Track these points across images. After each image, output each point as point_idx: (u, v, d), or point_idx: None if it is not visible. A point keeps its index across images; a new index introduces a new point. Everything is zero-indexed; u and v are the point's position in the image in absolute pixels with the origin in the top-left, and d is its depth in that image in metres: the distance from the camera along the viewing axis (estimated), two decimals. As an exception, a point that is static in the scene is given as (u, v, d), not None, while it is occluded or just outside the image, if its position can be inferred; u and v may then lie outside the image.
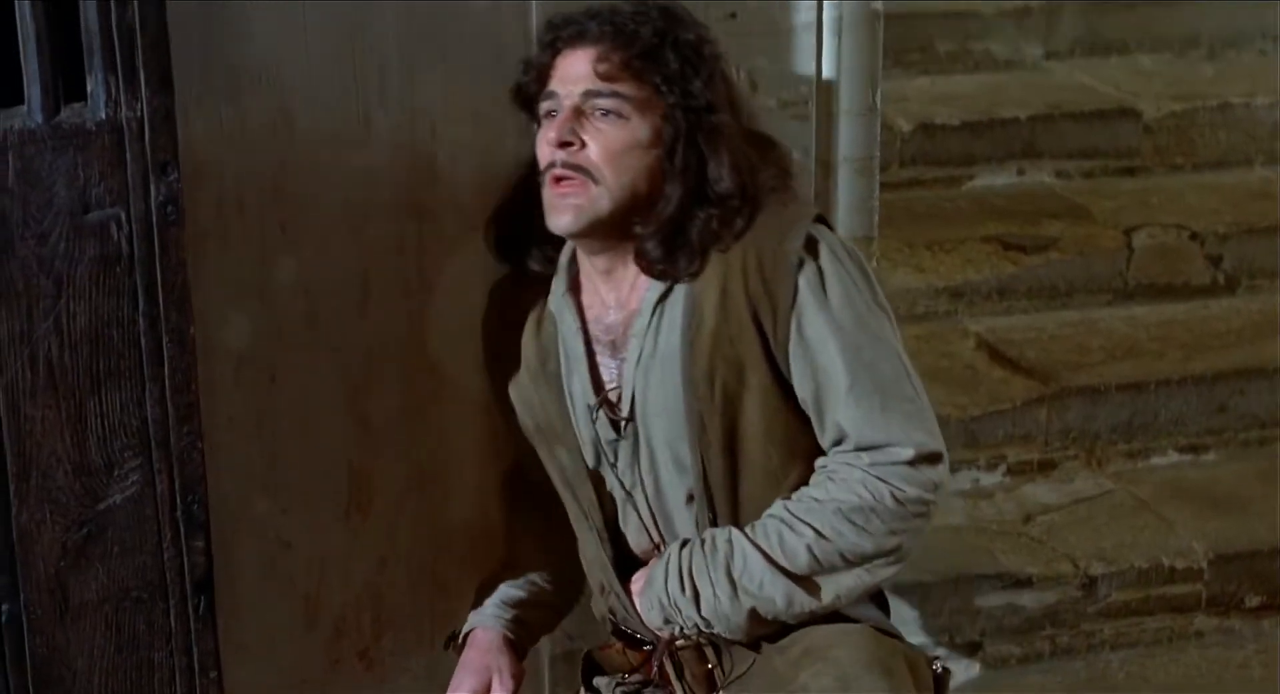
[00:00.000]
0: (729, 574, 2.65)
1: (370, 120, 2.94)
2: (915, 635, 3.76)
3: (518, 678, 2.86)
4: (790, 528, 2.63)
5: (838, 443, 2.66)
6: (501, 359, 2.90)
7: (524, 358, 2.85)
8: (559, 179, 2.66)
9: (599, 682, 2.89)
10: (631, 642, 2.84)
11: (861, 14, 3.20)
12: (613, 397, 2.77)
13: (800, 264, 2.64)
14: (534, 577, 2.95)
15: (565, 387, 2.81)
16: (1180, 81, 5.75)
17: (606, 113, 2.65)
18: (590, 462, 2.81)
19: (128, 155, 2.31)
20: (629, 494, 2.79)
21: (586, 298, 2.80)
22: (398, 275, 3.03)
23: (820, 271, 2.65)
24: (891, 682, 2.62)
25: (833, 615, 2.70)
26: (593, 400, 2.77)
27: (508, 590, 2.93)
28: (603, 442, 2.78)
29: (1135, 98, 5.55)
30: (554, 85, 2.70)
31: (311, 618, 3.14)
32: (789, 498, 2.67)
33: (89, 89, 2.29)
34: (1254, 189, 5.32)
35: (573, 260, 2.81)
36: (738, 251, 2.66)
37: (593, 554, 2.85)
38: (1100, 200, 5.20)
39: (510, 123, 2.80)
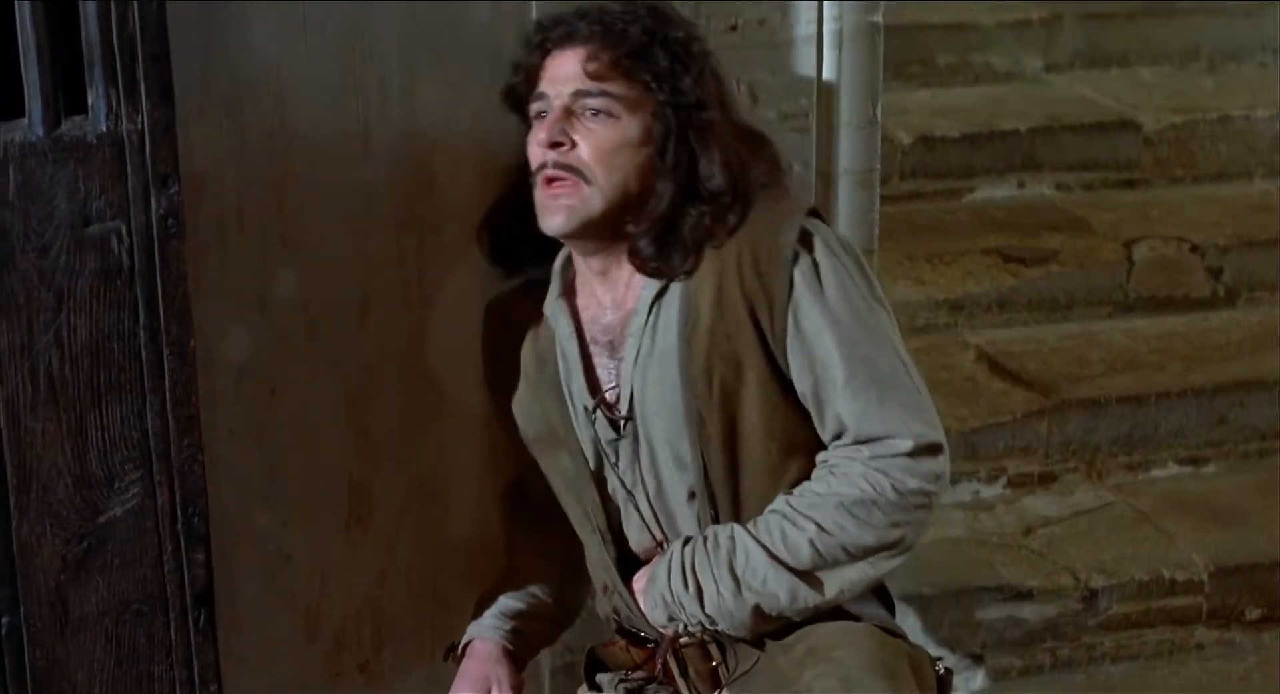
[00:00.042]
0: (732, 570, 2.65)
1: (371, 133, 2.95)
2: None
3: (517, 689, 2.85)
4: (792, 523, 2.63)
5: (838, 436, 2.66)
6: (501, 375, 2.90)
7: (523, 368, 2.85)
8: (551, 180, 2.66)
9: (601, 678, 2.88)
10: (635, 640, 2.84)
11: (861, 26, 3.21)
12: (610, 397, 2.77)
13: (795, 257, 2.64)
14: (534, 589, 2.94)
15: (565, 390, 2.81)
16: (1180, 94, 5.75)
17: (597, 112, 2.66)
18: (592, 463, 2.81)
19: (128, 168, 2.31)
20: (630, 493, 2.79)
21: (582, 300, 2.81)
22: (398, 288, 3.03)
23: (815, 265, 2.65)
24: (894, 684, 2.61)
25: (837, 612, 2.70)
26: (589, 402, 2.78)
27: (507, 602, 2.92)
28: (603, 442, 2.78)
29: (1135, 110, 5.55)
30: (544, 86, 2.70)
31: (312, 631, 3.14)
32: (790, 493, 2.67)
33: (90, 102, 2.29)
34: (1254, 201, 5.32)
35: (567, 264, 2.82)
36: (732, 248, 2.67)
37: (596, 555, 2.85)
38: (1100, 212, 5.20)
39: (511, 136, 2.80)
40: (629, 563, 2.83)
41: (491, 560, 3.06)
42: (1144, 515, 4.28)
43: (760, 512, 2.68)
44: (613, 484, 2.81)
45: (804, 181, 3.20)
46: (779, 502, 2.67)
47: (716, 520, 2.72)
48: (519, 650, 2.90)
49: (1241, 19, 6.05)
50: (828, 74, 3.21)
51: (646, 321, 2.71)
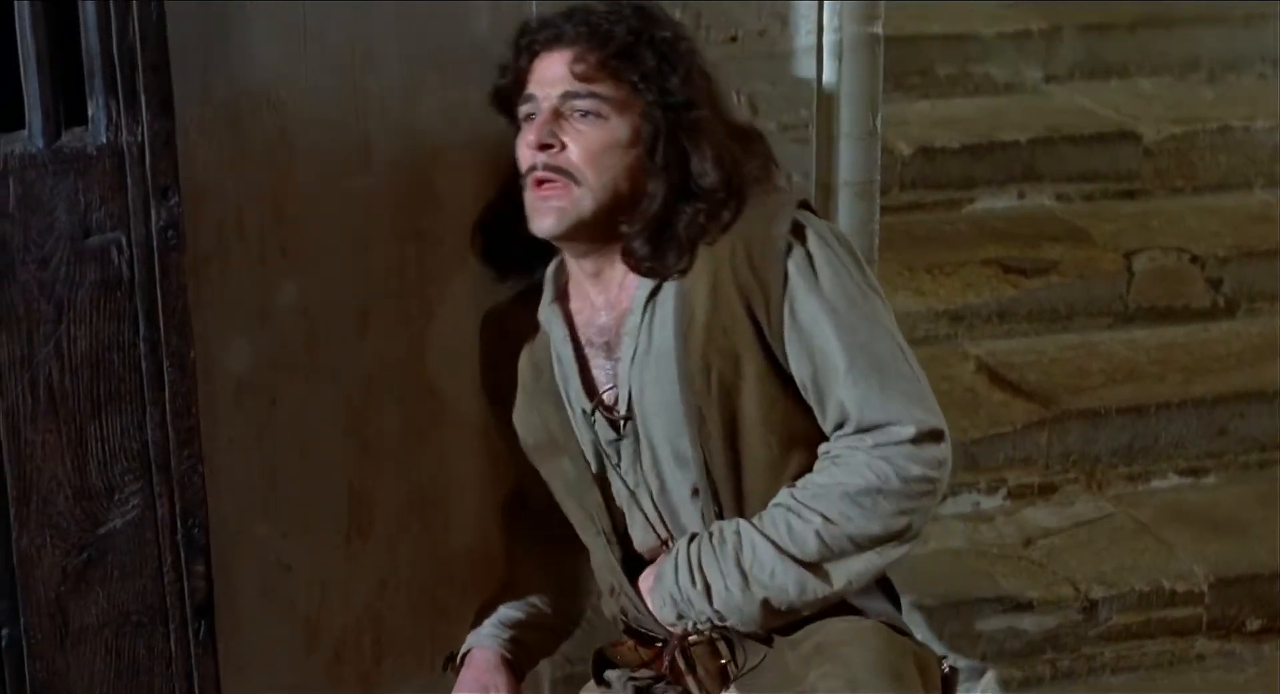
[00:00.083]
0: (739, 565, 2.65)
1: (370, 143, 2.95)
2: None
3: (515, 697, 2.86)
4: (797, 515, 2.63)
5: (839, 425, 2.65)
6: (499, 385, 2.91)
7: (520, 378, 2.85)
8: (540, 182, 2.67)
9: (610, 674, 2.87)
10: (644, 640, 2.83)
11: (861, 38, 3.21)
12: (609, 398, 2.77)
13: (788, 249, 2.65)
14: (533, 599, 2.94)
15: (563, 394, 2.81)
16: (1180, 105, 5.75)
17: (585, 114, 2.67)
18: (593, 466, 2.81)
19: (128, 180, 2.31)
20: (633, 493, 2.79)
21: (575, 303, 2.81)
22: (398, 299, 3.03)
23: (809, 256, 2.65)
24: (900, 685, 2.61)
25: (845, 608, 2.70)
26: (588, 405, 2.78)
27: (506, 611, 2.92)
28: (603, 443, 2.78)
29: (1135, 121, 5.55)
30: (532, 88, 2.71)
31: (312, 641, 3.14)
32: (794, 485, 2.67)
33: (90, 113, 2.29)
34: (1254, 212, 5.33)
35: (559, 269, 2.82)
36: (725, 243, 2.67)
37: (601, 557, 2.85)
38: (1100, 223, 5.21)
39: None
40: (634, 564, 2.83)
41: (492, 570, 3.06)
42: (1144, 526, 4.28)
43: (764, 506, 2.68)
44: (615, 485, 2.81)
45: (804, 192, 3.19)
46: (783, 494, 2.66)
47: (720, 516, 2.71)
48: (517, 659, 2.90)
49: (1241, 30, 6.05)
50: (828, 85, 3.21)
51: (642, 320, 2.71)
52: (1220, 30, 6.07)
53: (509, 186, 2.77)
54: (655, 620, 2.76)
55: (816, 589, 2.64)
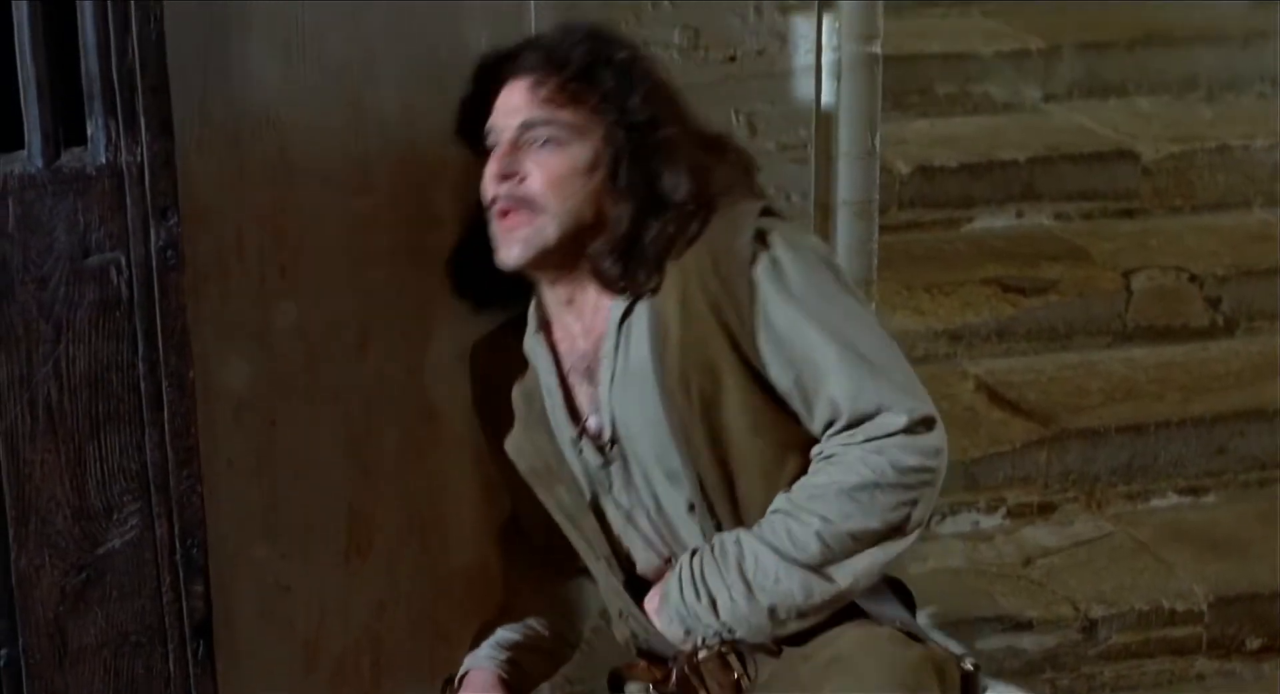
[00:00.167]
0: (742, 575, 2.64)
1: (370, 163, 2.95)
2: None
3: (511, 718, 2.85)
4: (796, 518, 2.62)
5: (830, 424, 2.64)
6: (490, 415, 2.91)
7: (514, 407, 2.85)
8: (504, 212, 2.68)
9: (630, 688, 2.86)
10: (657, 660, 2.82)
11: (860, 57, 3.22)
12: (592, 425, 2.77)
13: (753, 258, 2.64)
14: (531, 622, 2.93)
15: (553, 423, 2.81)
16: (1179, 124, 5.75)
17: (545, 141, 2.67)
18: (588, 493, 2.81)
19: (128, 200, 2.31)
20: (629, 517, 2.78)
21: (558, 333, 2.81)
22: (398, 319, 3.03)
23: (775, 261, 2.65)
24: None
25: (858, 613, 2.68)
26: (573, 433, 2.78)
27: (504, 633, 2.91)
28: (592, 469, 2.78)
29: (1134, 140, 5.56)
30: (493, 119, 2.72)
31: (311, 662, 3.14)
32: (791, 490, 2.66)
33: (89, 133, 2.29)
34: (1253, 231, 5.33)
35: (540, 301, 2.82)
36: (692, 257, 2.67)
37: (605, 582, 2.85)
38: (1099, 242, 5.21)
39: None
40: (640, 586, 2.82)
41: (490, 591, 3.06)
42: (1143, 545, 4.28)
43: (762, 514, 2.67)
44: (610, 511, 2.80)
45: (803, 212, 3.20)
46: (780, 499, 2.66)
47: (720, 529, 2.71)
48: (514, 680, 2.88)
49: (1240, 49, 6.06)
50: (826, 104, 3.21)
51: (618, 342, 2.71)
52: (1219, 49, 6.07)
53: (476, 219, 2.77)
54: (665, 640, 2.75)
55: (823, 591, 2.63)
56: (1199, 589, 4.10)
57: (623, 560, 2.83)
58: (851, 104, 3.23)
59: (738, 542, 2.66)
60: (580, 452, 2.78)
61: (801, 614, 2.65)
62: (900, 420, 2.60)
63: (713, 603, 2.66)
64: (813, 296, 2.64)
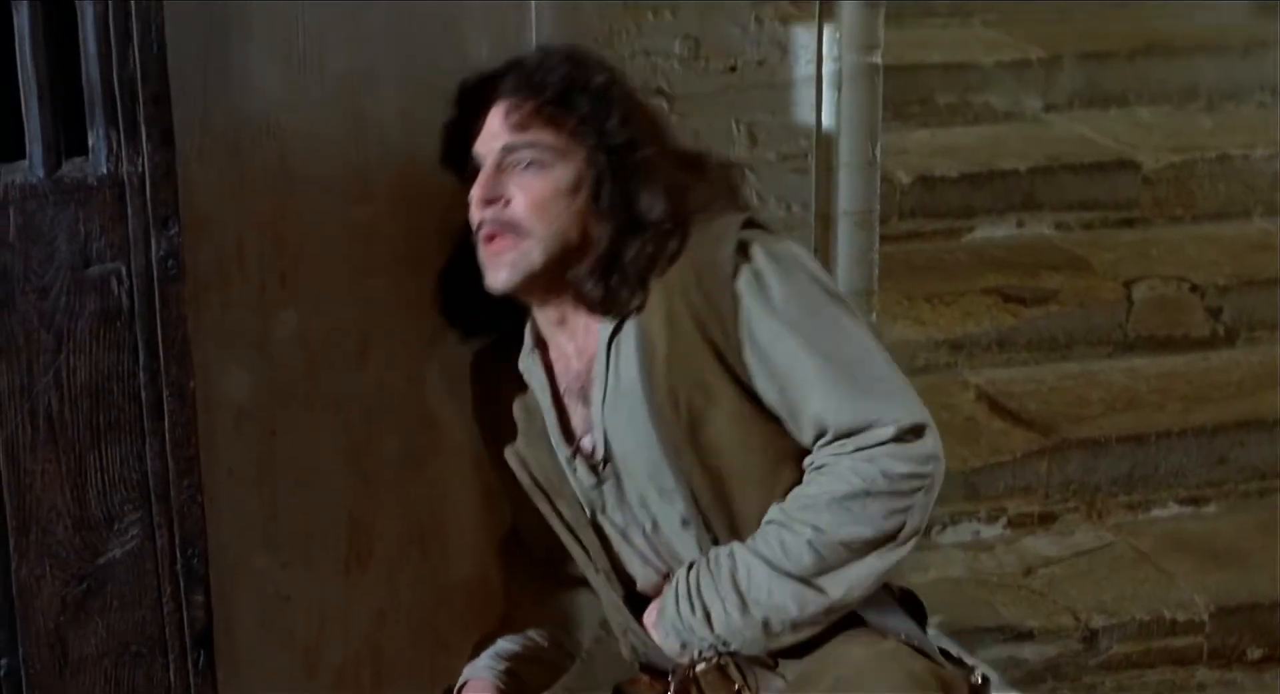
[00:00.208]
0: (736, 587, 2.63)
1: (371, 172, 2.95)
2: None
3: (508, 728, 2.85)
4: (788, 529, 2.61)
5: (819, 437, 2.64)
6: (491, 427, 2.91)
7: (517, 420, 2.85)
8: (490, 237, 2.68)
9: None
10: (659, 675, 2.82)
11: (861, 67, 3.21)
12: (585, 444, 2.77)
13: (735, 271, 2.64)
14: (531, 633, 2.93)
15: (553, 441, 2.81)
16: (1179, 133, 5.76)
17: (528, 164, 2.67)
18: (587, 509, 2.81)
19: (129, 210, 2.31)
20: (625, 534, 2.79)
21: (552, 353, 2.81)
22: (398, 327, 3.03)
23: (757, 274, 2.64)
24: None
25: (863, 625, 2.67)
26: (567, 452, 2.78)
27: (503, 644, 2.91)
28: (585, 488, 2.78)
29: (1134, 150, 5.56)
30: (476, 145, 2.72)
31: (311, 671, 3.13)
32: (783, 501, 2.65)
33: (90, 143, 2.29)
34: (1253, 241, 5.33)
35: (535, 321, 2.82)
36: (675, 273, 2.66)
37: (605, 597, 2.85)
38: (1100, 252, 5.21)
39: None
40: (640, 601, 2.82)
41: (491, 601, 3.06)
42: (1144, 555, 4.28)
43: (759, 525, 2.67)
44: (607, 527, 2.81)
45: (803, 222, 3.20)
46: (773, 510, 2.65)
47: (716, 543, 2.70)
48: (512, 691, 2.88)
49: (1240, 59, 6.06)
50: (827, 115, 3.21)
51: (608, 361, 2.71)
52: (1219, 59, 6.07)
53: (463, 245, 2.77)
54: (665, 655, 2.75)
55: (816, 603, 2.62)
56: (1200, 599, 4.10)
57: (622, 576, 2.83)
58: (852, 114, 3.23)
59: (731, 554, 2.66)
60: (575, 471, 2.78)
61: (795, 626, 2.65)
62: (888, 432, 2.59)
63: (707, 616, 2.66)
64: (794, 309, 2.63)
